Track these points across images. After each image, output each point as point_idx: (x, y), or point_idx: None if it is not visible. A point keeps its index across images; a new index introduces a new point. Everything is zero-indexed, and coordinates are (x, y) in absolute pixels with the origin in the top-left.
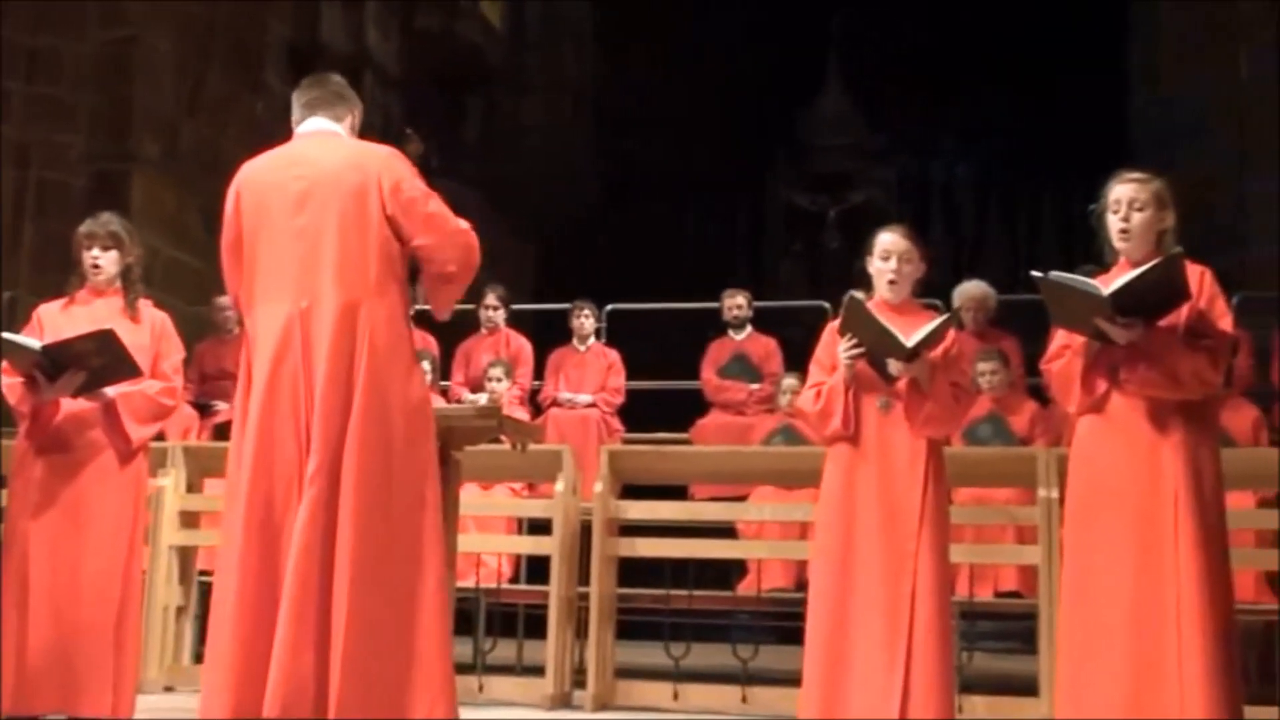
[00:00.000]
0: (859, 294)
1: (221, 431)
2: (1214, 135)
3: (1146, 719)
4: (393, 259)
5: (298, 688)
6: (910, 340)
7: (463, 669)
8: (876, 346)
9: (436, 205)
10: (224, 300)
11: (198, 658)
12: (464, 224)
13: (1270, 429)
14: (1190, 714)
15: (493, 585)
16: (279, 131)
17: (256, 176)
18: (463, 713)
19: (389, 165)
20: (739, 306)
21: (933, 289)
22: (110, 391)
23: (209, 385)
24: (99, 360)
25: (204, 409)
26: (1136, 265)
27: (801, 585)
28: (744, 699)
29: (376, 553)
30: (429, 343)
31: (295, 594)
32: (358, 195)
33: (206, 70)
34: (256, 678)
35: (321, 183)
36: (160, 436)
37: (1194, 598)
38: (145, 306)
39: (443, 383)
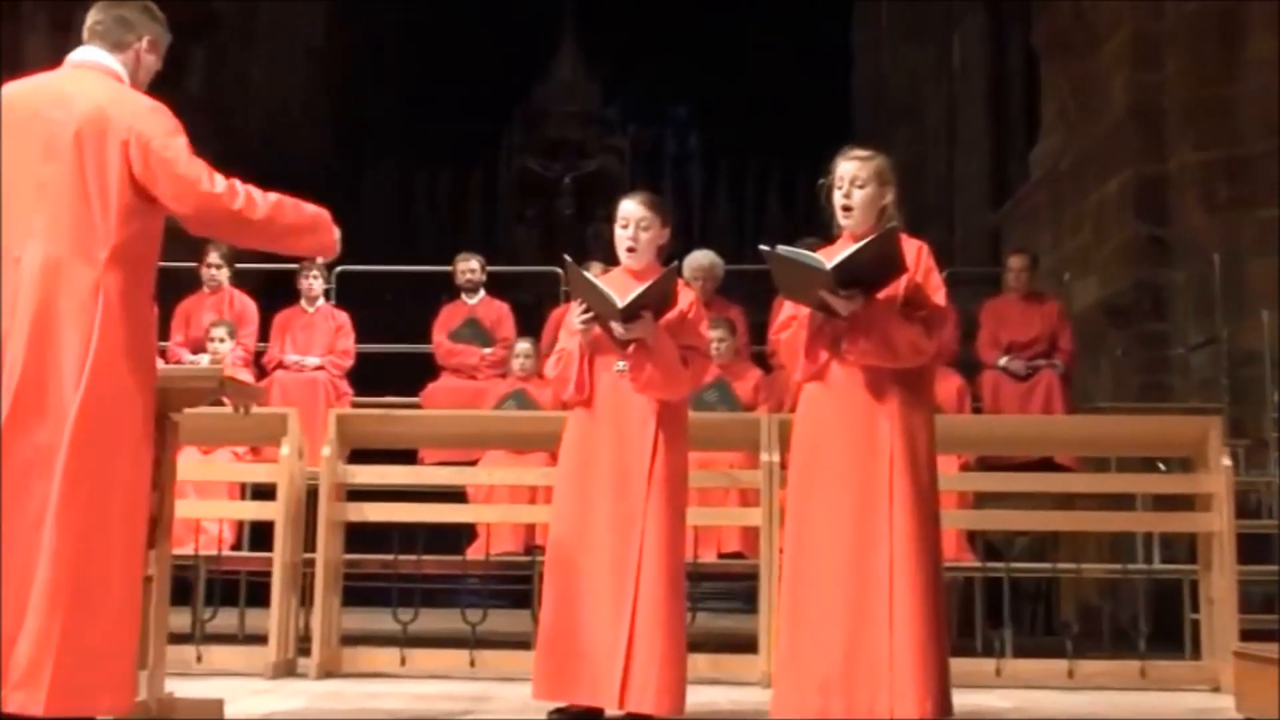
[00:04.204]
0: (570, 259)
1: None
2: (927, 115)
3: (860, 669)
4: (135, 222)
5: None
6: (624, 301)
7: (180, 639)
8: (598, 309)
9: (186, 168)
10: None
11: None
12: (219, 187)
13: (973, 397)
14: (901, 664)
15: (213, 552)
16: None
17: (13, 104)
18: (181, 684)
19: (145, 121)
20: (472, 270)
21: (663, 258)
22: None
23: None
24: None
25: None
26: (858, 239)
27: (530, 549)
28: (472, 663)
29: (96, 538)
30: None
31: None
32: (101, 151)
33: None
34: None
35: (71, 131)
36: None
37: (907, 555)
38: None
39: (161, 343)
